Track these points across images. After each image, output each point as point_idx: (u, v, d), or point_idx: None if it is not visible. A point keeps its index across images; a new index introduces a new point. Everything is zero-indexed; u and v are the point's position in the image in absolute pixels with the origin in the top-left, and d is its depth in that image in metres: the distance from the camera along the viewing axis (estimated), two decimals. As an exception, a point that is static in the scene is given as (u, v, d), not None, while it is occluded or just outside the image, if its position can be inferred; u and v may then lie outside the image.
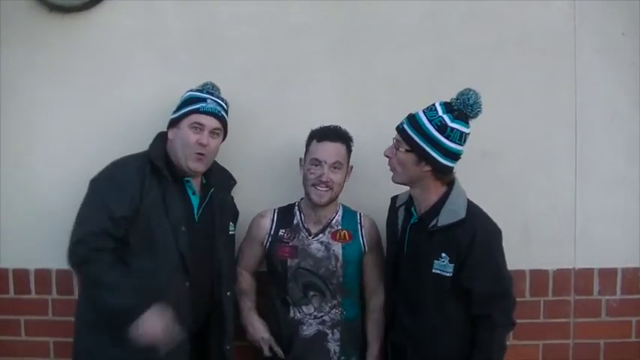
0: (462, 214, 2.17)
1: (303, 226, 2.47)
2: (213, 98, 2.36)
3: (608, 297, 2.77)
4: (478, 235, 2.15)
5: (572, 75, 2.73)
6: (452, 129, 2.13)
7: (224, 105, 2.40)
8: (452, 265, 2.16)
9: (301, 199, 2.52)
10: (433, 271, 2.18)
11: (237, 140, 2.69)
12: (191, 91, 2.39)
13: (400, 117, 2.30)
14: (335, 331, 2.42)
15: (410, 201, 2.34)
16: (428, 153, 2.14)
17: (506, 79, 2.72)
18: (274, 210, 2.53)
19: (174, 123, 2.34)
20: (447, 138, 2.13)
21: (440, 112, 2.15)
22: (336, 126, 2.46)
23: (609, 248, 2.76)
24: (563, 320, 2.76)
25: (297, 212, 2.50)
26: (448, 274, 2.17)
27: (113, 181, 2.22)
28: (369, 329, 2.47)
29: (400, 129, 2.22)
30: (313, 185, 2.39)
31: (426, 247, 2.21)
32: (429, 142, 2.14)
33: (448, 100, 2.19)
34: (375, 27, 2.72)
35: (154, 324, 2.10)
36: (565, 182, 2.74)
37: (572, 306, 2.76)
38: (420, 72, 2.68)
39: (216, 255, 2.36)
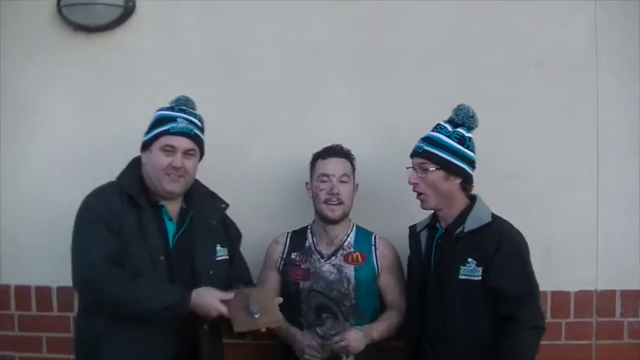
0: (488, 219, 2.23)
1: (315, 248, 2.47)
2: (184, 116, 2.19)
3: (630, 319, 2.73)
4: (505, 236, 2.19)
5: (594, 95, 2.72)
6: (469, 139, 2.25)
7: (197, 122, 2.22)
8: (480, 268, 2.17)
9: (313, 221, 2.52)
10: (460, 277, 2.18)
11: (257, 159, 2.72)
12: (161, 110, 2.23)
13: (420, 137, 2.30)
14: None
15: (433, 220, 2.35)
16: (457, 165, 2.22)
17: (527, 100, 2.71)
18: (287, 233, 2.54)
19: (145, 146, 2.20)
20: (467, 148, 2.24)
21: (450, 127, 2.25)
22: (338, 144, 2.48)
23: (632, 269, 2.72)
24: (585, 342, 2.72)
25: (310, 235, 2.51)
26: (477, 278, 2.17)
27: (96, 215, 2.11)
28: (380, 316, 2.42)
29: (421, 152, 2.25)
30: (325, 202, 2.41)
31: (451, 254, 2.23)
32: (455, 155, 2.22)
33: (447, 119, 2.28)
34: (395, 47, 2.73)
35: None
36: (587, 203, 2.72)
37: (594, 328, 2.72)
38: (441, 92, 2.67)
39: (195, 285, 2.10)
